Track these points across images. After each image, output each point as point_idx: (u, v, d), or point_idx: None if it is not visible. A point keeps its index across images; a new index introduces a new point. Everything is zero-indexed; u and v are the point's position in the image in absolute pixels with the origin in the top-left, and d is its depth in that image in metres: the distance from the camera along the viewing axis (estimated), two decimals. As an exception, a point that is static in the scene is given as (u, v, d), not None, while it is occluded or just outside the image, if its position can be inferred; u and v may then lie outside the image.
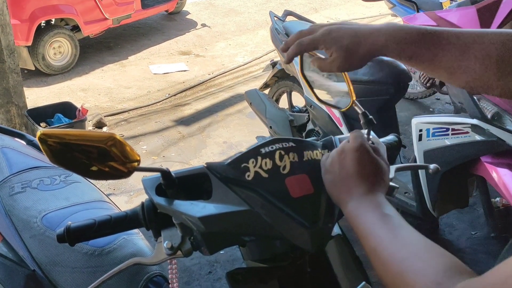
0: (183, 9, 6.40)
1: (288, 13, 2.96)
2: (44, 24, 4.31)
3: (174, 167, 3.09)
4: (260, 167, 0.79)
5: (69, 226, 0.79)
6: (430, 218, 2.17)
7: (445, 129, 1.89)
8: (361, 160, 0.70)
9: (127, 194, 2.79)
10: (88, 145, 0.68)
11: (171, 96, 4.19)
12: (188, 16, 6.38)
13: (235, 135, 3.51)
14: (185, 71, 4.76)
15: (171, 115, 3.82)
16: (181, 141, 3.43)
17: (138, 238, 1.20)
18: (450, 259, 0.49)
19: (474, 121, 1.82)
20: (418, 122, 2.00)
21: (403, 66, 2.25)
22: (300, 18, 2.94)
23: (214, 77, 4.63)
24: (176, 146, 3.36)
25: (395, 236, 0.56)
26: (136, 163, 0.73)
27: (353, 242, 0.97)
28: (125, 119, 3.74)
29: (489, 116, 1.79)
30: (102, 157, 0.69)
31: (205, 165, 0.80)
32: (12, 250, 1.18)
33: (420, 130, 1.97)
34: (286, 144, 0.83)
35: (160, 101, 4.09)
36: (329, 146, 0.87)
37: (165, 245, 0.77)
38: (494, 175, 1.77)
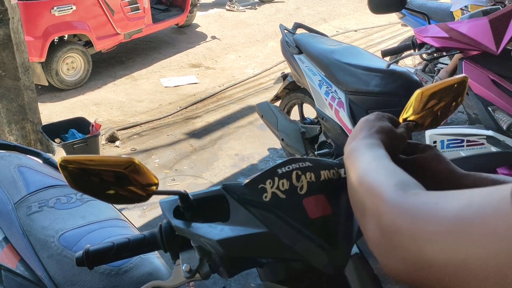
0: (193, 22, 6.46)
1: (298, 25, 2.97)
2: (57, 40, 4.38)
3: (187, 181, 3.10)
4: (277, 187, 0.79)
5: (87, 249, 0.80)
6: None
7: (459, 141, 1.88)
8: (368, 117, 0.75)
9: (140, 208, 2.80)
10: (107, 170, 0.68)
11: (183, 109, 4.21)
12: (198, 29, 6.43)
13: (246, 148, 3.52)
14: (195, 83, 4.79)
15: (183, 128, 3.84)
16: (193, 154, 3.44)
17: (154, 257, 1.20)
18: (408, 178, 0.54)
19: (490, 133, 1.80)
20: (432, 133, 1.98)
21: (415, 77, 2.24)
22: (310, 30, 2.95)
23: (225, 89, 4.65)
24: (188, 159, 3.37)
25: (373, 161, 0.61)
26: (154, 187, 0.73)
27: (370, 258, 0.95)
28: (137, 133, 3.76)
29: (504, 127, 1.77)
30: (121, 182, 0.70)
31: (222, 187, 0.80)
32: (30, 270, 1.19)
33: (434, 142, 1.95)
34: (302, 164, 0.82)
35: (172, 114, 4.11)
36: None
37: (183, 268, 0.77)
38: (511, 187, 1.75)
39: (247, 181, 0.81)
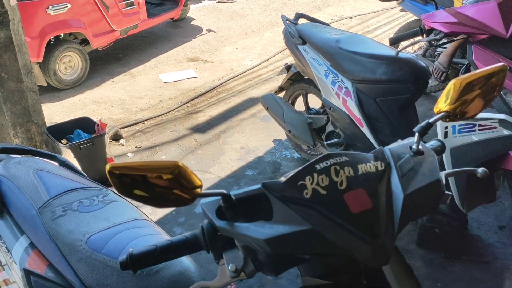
0: (187, 15, 6.41)
1: (300, 15, 2.95)
2: (53, 40, 4.33)
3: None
4: (317, 184, 0.79)
5: (131, 253, 0.80)
6: (459, 215, 2.16)
7: (471, 125, 1.88)
8: None
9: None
10: (154, 175, 0.68)
11: (184, 104, 4.20)
12: (193, 22, 6.39)
13: (251, 140, 3.52)
14: (194, 77, 4.77)
15: (186, 123, 3.83)
16: (199, 149, 3.43)
17: (183, 257, 1.20)
18: None
19: (502, 116, 1.81)
20: (443, 119, 1.98)
21: (422, 63, 2.24)
22: (312, 20, 2.93)
23: (224, 82, 4.63)
24: (194, 154, 3.36)
25: None
26: (199, 189, 0.73)
27: (405, 253, 0.96)
28: (140, 130, 3.75)
29: (516, 110, 1.78)
30: (167, 186, 0.70)
31: (262, 185, 0.80)
32: (59, 274, 1.19)
33: (446, 127, 1.96)
34: (340, 159, 0.83)
35: (173, 110, 4.10)
36: (380, 157, 0.87)
37: (229, 268, 0.77)
38: (524, 169, 1.76)
39: (286, 178, 0.81)
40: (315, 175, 0.80)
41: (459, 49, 2.99)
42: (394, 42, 2.28)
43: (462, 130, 1.92)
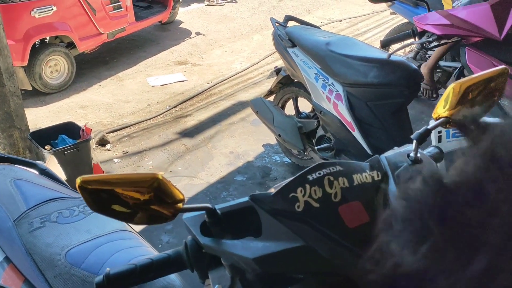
0: (176, 18, 6.34)
1: (289, 18, 2.91)
2: (38, 43, 4.24)
3: (183, 182, 3.03)
4: (310, 196, 0.73)
5: (108, 273, 0.73)
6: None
7: (465, 130, 1.84)
8: None
9: (137, 213, 2.72)
10: (130, 189, 0.62)
11: (172, 108, 4.12)
12: (181, 25, 6.32)
13: (241, 144, 3.46)
14: (183, 81, 4.70)
15: (174, 128, 3.75)
16: (187, 154, 3.36)
17: (168, 270, 1.14)
18: None
19: (496, 120, 1.77)
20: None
21: (414, 66, 2.20)
22: (302, 22, 2.89)
23: (213, 85, 4.57)
24: (182, 159, 3.29)
25: None
26: (180, 204, 0.67)
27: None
28: (127, 135, 3.67)
29: (511, 114, 1.74)
30: (145, 201, 0.64)
31: (250, 198, 0.75)
32: (36, 291, 1.12)
33: (439, 132, 1.92)
34: (333, 169, 0.77)
35: (161, 114, 4.02)
36: (377, 166, 0.81)
37: (215, 289, 0.72)
38: (520, 174, 1.72)
39: (276, 190, 0.75)
40: (307, 186, 0.74)
41: (450, 52, 2.97)
42: (386, 44, 2.23)
43: (456, 135, 1.89)
